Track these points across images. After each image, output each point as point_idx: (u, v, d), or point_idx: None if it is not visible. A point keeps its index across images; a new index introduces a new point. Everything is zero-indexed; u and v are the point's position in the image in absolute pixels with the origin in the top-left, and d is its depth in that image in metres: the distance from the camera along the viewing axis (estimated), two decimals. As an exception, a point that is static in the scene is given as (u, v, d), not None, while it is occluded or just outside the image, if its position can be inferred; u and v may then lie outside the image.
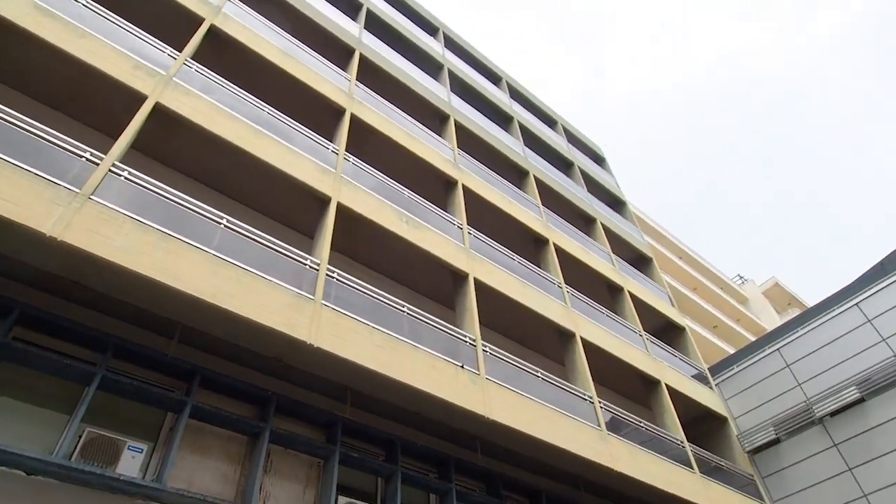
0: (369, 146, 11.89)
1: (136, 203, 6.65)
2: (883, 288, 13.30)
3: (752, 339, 25.78)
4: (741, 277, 36.01)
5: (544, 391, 10.06)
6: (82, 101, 8.59)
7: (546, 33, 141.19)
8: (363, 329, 7.72)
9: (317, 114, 11.19)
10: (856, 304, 13.63)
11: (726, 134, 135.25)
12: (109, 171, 6.69)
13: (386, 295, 8.72)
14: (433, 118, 15.01)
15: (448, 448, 9.32)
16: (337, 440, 7.74)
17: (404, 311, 8.75)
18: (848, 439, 12.63)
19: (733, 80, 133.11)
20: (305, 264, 7.90)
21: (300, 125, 10.13)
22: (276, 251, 7.72)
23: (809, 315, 14.96)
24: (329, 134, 11.06)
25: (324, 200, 9.25)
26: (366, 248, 10.73)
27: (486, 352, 9.59)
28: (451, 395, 8.06)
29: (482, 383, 8.76)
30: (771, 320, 33.08)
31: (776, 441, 13.79)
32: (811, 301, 37.09)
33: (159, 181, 7.24)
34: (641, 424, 11.94)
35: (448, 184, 12.90)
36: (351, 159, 10.52)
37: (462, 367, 8.67)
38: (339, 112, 11.44)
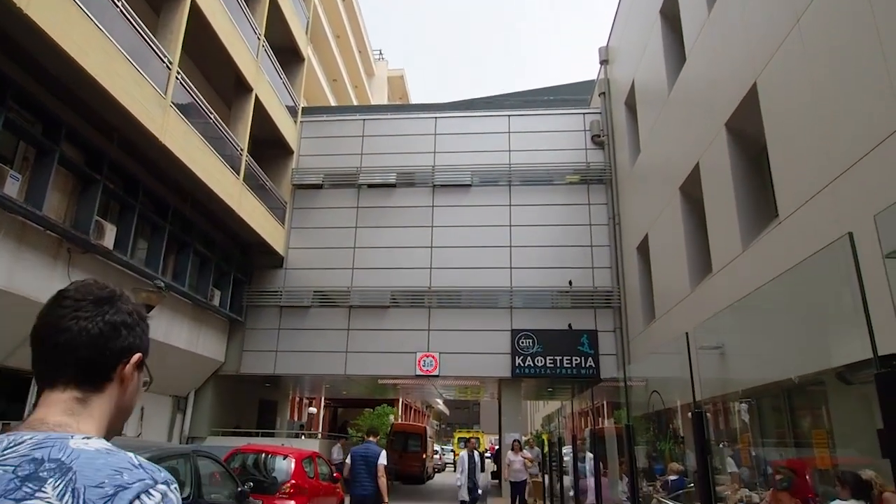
0: None
1: None
2: (458, 117, 16.14)
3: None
4: (381, 54, 37.69)
5: (120, 29, 8.49)
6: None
7: None
8: None
9: None
10: (434, 118, 16.13)
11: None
12: None
13: None
14: None
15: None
16: None
17: None
18: (367, 207, 15.53)
19: None
20: None
21: None
22: None
23: (400, 109, 17.08)
24: None
25: None
26: None
27: (60, -62, 7.24)
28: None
29: (32, -31, 6.65)
30: (380, 102, 36.44)
31: (320, 186, 15.83)
32: (414, 101, 42.57)
33: None
34: (212, 117, 11.65)
35: None
36: None
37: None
38: None
